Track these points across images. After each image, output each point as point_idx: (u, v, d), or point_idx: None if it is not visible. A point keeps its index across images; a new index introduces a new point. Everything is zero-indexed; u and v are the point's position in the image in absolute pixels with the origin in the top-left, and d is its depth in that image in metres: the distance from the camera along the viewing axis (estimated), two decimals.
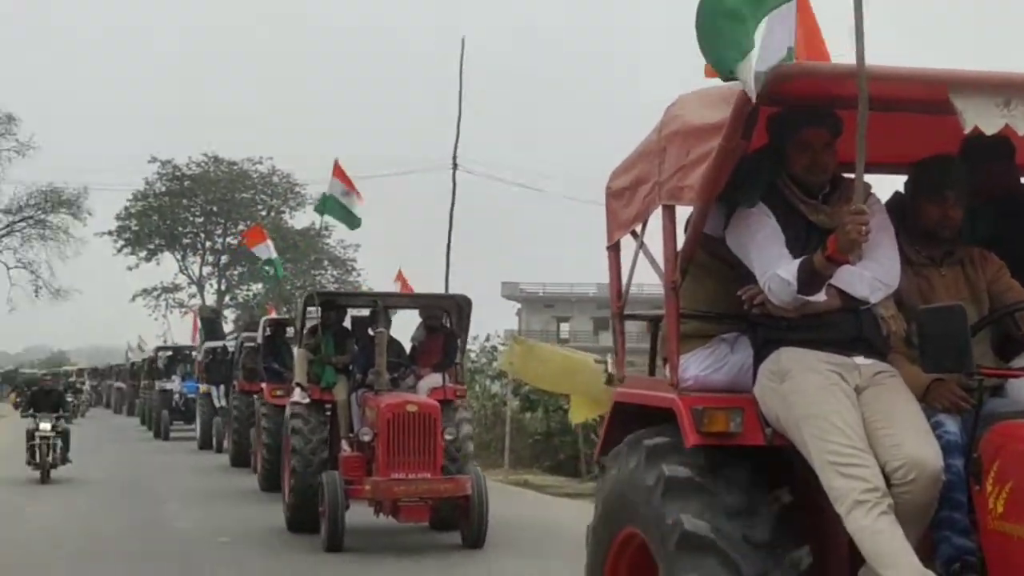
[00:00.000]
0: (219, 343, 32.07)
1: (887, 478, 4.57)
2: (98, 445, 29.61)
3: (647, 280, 5.94)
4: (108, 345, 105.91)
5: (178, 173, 69.86)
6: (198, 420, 30.96)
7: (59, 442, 20.76)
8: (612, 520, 5.42)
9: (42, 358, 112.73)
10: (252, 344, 23.92)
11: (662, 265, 5.36)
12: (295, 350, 16.98)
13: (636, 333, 7.98)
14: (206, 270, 73.05)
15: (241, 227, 69.06)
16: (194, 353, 36.39)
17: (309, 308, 15.92)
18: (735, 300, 5.12)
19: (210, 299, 70.34)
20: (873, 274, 4.94)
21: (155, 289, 71.70)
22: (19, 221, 63.51)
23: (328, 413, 15.05)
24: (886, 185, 5.47)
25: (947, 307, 4.52)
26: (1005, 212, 5.58)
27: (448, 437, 13.48)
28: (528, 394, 24.58)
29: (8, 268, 63.19)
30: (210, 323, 38.06)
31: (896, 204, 5.32)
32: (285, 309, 38.72)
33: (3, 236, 63.42)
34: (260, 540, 14.01)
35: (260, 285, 70.15)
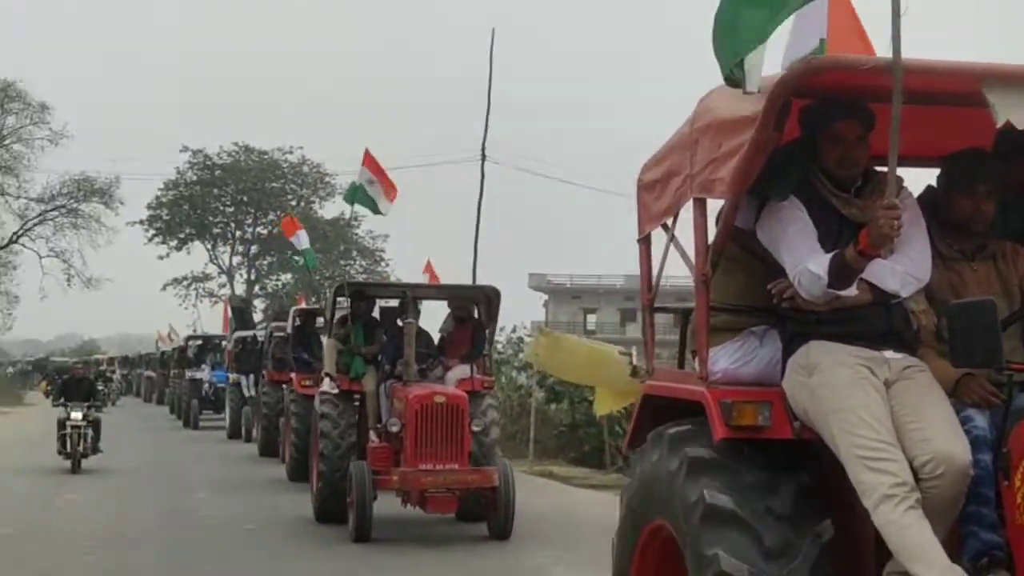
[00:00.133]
0: (249, 332, 32.21)
1: (915, 473, 4.56)
2: (128, 434, 29.78)
3: (672, 272, 5.94)
4: (138, 333, 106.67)
5: (209, 162, 70.14)
6: (227, 409, 31.13)
7: (90, 431, 20.74)
8: (639, 514, 5.43)
9: (73, 346, 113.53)
10: (282, 334, 24.00)
11: (693, 258, 5.36)
12: (324, 340, 17.03)
13: (663, 325, 7.98)
14: (236, 260, 73.32)
15: (271, 217, 69.37)
16: (224, 342, 36.55)
17: (339, 298, 15.97)
18: (765, 293, 5.12)
19: (239, 289, 70.65)
20: (904, 268, 4.92)
21: (185, 278, 72.05)
22: (52, 210, 63.77)
23: (357, 403, 15.08)
24: (922, 178, 5.45)
25: (978, 302, 4.50)
26: None
27: (476, 428, 13.50)
28: (553, 385, 24.56)
29: (40, 257, 63.47)
30: (240, 312, 38.21)
31: (928, 198, 5.29)
32: (314, 299, 38.83)
33: (36, 225, 63.69)
34: (288, 529, 14.08)
35: (289, 275, 70.45)
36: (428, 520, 14.04)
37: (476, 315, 15.76)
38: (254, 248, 72.55)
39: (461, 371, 14.92)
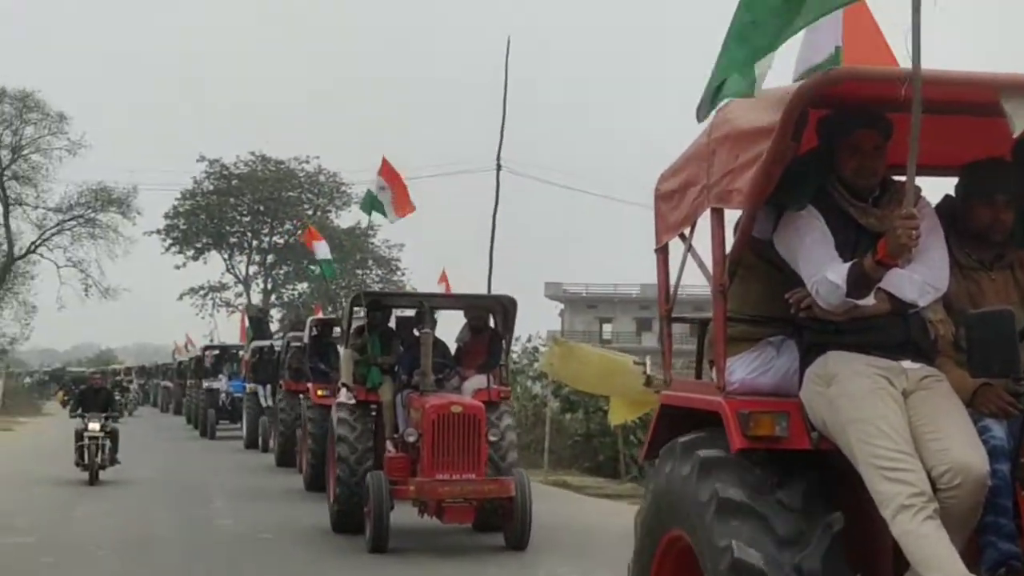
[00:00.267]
0: (266, 342, 32.26)
1: (933, 483, 4.55)
2: (145, 444, 29.82)
3: (689, 282, 5.95)
4: (155, 343, 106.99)
5: (226, 172, 70.33)
6: (244, 419, 31.14)
7: (108, 443, 20.59)
8: (654, 527, 5.44)
9: (90, 356, 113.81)
10: (298, 344, 24.05)
11: (710, 268, 5.36)
12: (341, 350, 17.06)
13: (680, 335, 7.98)
14: (252, 269, 73.49)
15: (288, 226, 69.51)
16: (241, 352, 36.60)
17: (356, 308, 15.99)
18: (782, 303, 5.11)
19: (256, 298, 70.76)
20: (923, 278, 4.92)
21: (202, 288, 72.20)
22: (69, 220, 64.06)
23: (373, 414, 15.10)
24: (940, 188, 5.45)
25: (996, 311, 4.50)
26: None
27: (492, 438, 13.51)
28: (568, 395, 24.58)
29: (58, 267, 63.76)
30: (258, 322, 38.25)
31: (946, 207, 5.29)
32: (330, 308, 38.89)
33: (54, 235, 64.01)
34: (305, 539, 14.10)
35: (306, 285, 70.55)
36: (445, 530, 14.05)
37: (492, 325, 15.77)
38: (271, 257, 72.71)
39: (477, 381, 14.92)
